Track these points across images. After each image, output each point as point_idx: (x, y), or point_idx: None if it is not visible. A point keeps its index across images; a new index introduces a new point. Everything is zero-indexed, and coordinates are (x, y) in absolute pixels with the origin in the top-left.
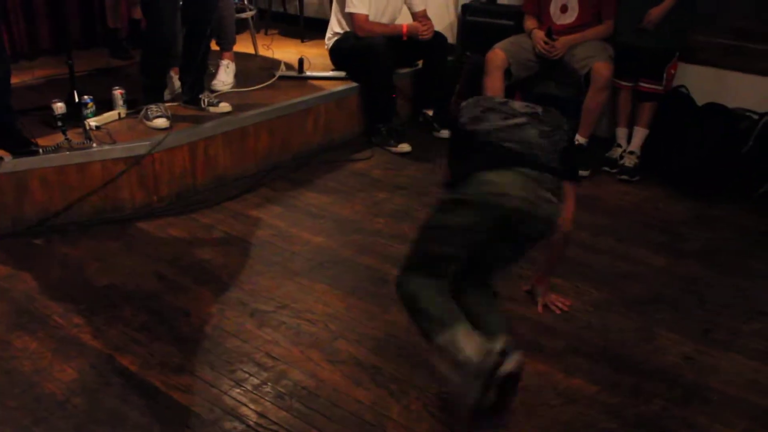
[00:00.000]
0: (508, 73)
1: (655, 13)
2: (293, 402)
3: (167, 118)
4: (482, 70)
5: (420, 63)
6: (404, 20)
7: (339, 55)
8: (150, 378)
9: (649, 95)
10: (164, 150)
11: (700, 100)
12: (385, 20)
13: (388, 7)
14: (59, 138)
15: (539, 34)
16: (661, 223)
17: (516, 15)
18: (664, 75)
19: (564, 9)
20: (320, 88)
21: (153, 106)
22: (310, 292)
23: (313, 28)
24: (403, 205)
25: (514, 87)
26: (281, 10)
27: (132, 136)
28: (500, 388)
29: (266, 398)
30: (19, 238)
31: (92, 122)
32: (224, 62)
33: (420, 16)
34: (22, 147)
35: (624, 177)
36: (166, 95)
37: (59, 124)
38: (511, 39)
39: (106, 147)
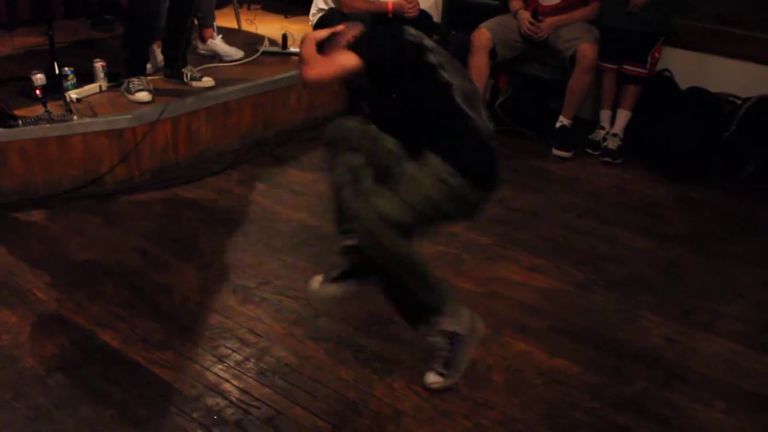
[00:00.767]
0: (493, 53)
1: None
2: (276, 378)
3: (149, 91)
4: (467, 50)
5: None
6: None
7: None
8: (132, 354)
9: (633, 78)
10: (146, 123)
11: (684, 84)
12: None
13: None
14: (39, 110)
15: (525, 15)
16: (643, 205)
17: None
18: (649, 58)
19: None
20: None
21: (135, 80)
22: (293, 269)
23: (297, 4)
24: None
25: (499, 67)
26: None
27: (113, 110)
28: None
29: (249, 374)
30: None
31: (73, 94)
32: (217, 38)
33: None
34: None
35: (607, 159)
36: (149, 69)
37: (39, 95)
38: (497, 19)
39: (87, 120)
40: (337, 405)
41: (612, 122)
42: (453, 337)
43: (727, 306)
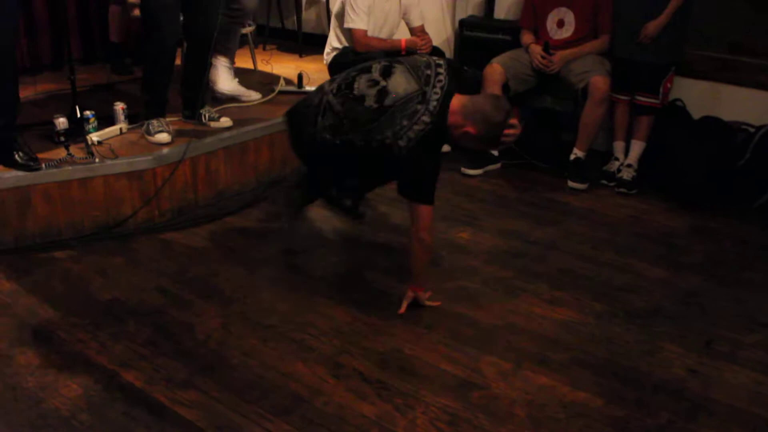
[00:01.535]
0: (506, 87)
1: (652, 27)
2: (297, 418)
3: (168, 133)
4: (480, 85)
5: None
6: (402, 35)
7: (337, 70)
8: (155, 393)
9: (645, 109)
10: (166, 165)
11: (696, 113)
12: (383, 35)
13: (387, 23)
14: (62, 153)
15: (536, 49)
16: (660, 235)
17: (513, 30)
18: (661, 89)
19: (561, 24)
20: None
21: (154, 121)
22: (314, 307)
23: (311, 44)
24: (406, 219)
25: (512, 101)
26: (279, 25)
27: (133, 151)
28: None
29: (271, 413)
30: (21, 254)
31: (94, 137)
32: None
33: (418, 31)
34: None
35: (622, 190)
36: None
37: (62, 139)
38: (509, 53)
39: (109, 162)
40: None
41: (626, 153)
42: None
43: (748, 335)
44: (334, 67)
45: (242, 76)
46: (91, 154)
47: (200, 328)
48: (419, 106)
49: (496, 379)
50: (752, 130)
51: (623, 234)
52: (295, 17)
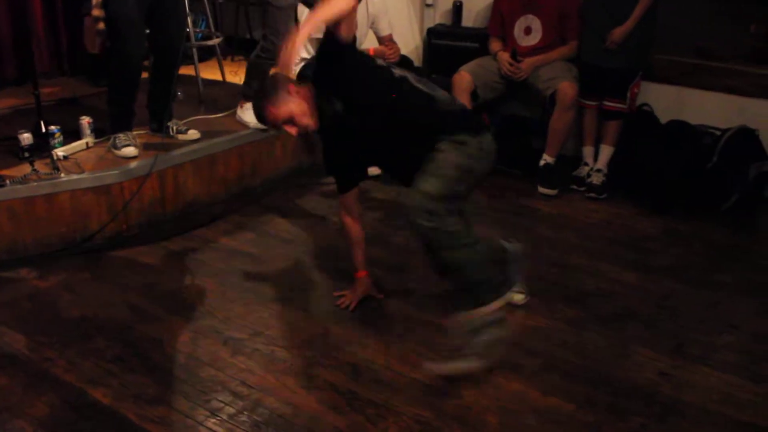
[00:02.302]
0: (474, 94)
1: (618, 33)
2: (270, 430)
3: (135, 146)
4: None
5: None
6: (371, 45)
7: (306, 80)
8: (124, 410)
9: (613, 114)
10: (133, 178)
11: (664, 117)
12: None
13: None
14: (27, 169)
15: (504, 56)
16: (630, 239)
17: (481, 37)
18: (628, 94)
19: (528, 31)
20: None
21: (121, 135)
22: (284, 319)
23: None
24: (375, 229)
25: (480, 108)
26: (247, 36)
27: (100, 166)
28: None
29: (242, 427)
30: None
31: (60, 152)
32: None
33: (386, 41)
34: None
35: (592, 195)
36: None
37: (26, 155)
38: (477, 61)
39: (75, 177)
40: None
41: (595, 158)
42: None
43: (720, 337)
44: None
45: (210, 88)
46: (57, 169)
47: (169, 343)
48: None
49: (468, 387)
50: (718, 133)
51: (594, 239)
52: (262, 28)
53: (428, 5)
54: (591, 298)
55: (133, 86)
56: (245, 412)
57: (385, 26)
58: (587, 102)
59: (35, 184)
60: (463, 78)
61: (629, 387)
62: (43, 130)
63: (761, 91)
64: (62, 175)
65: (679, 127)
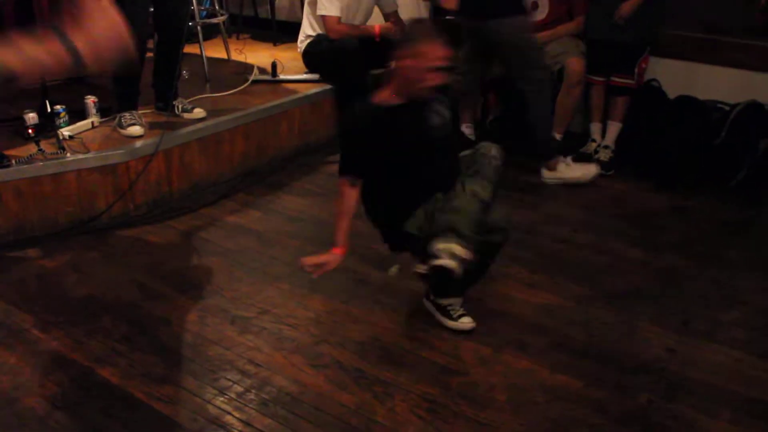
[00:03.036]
0: None
1: (626, 7)
2: (278, 408)
3: (141, 125)
4: None
5: (392, 64)
6: (376, 21)
7: (312, 57)
8: (132, 389)
9: (621, 90)
10: (139, 158)
11: (672, 93)
12: (357, 22)
13: (360, 9)
14: (32, 149)
15: None
16: (637, 216)
17: None
18: (636, 69)
19: (534, 6)
20: (294, 92)
21: (126, 114)
22: (291, 297)
23: (285, 32)
24: None
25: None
26: (252, 14)
27: (106, 145)
28: None
29: (250, 406)
30: None
31: (65, 132)
32: None
33: (392, 17)
34: None
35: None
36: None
37: (32, 134)
38: None
39: (80, 156)
40: None
41: (603, 134)
42: None
43: (727, 313)
44: (308, 54)
45: (215, 66)
46: (63, 148)
47: (177, 322)
48: None
49: (475, 364)
50: (727, 108)
51: (601, 215)
52: (268, 5)
53: None
54: (598, 275)
55: (137, 65)
56: (253, 391)
57: (390, 2)
58: (594, 78)
59: (41, 163)
60: None
61: (637, 364)
62: (49, 109)
63: None
64: (68, 154)
65: (687, 102)
